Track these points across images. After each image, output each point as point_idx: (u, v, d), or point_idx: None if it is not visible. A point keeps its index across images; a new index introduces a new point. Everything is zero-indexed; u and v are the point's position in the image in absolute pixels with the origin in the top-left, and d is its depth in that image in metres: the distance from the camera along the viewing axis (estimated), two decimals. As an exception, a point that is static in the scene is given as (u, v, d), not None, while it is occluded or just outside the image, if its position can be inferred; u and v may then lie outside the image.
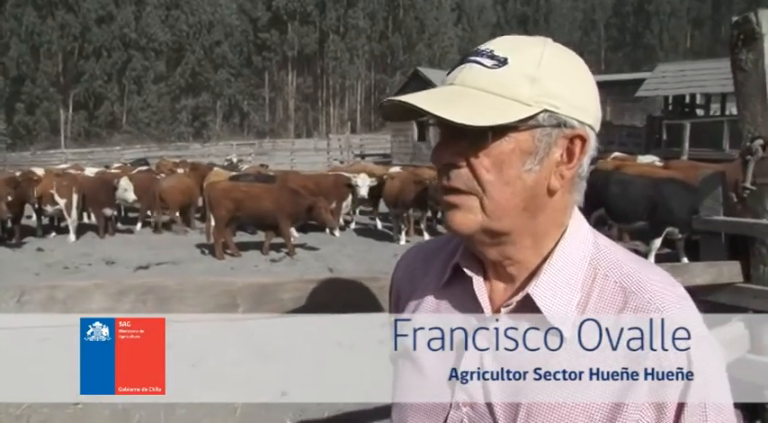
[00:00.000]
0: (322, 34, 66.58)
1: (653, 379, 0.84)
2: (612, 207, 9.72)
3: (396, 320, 1.13)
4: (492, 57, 0.89)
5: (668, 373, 0.84)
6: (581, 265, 0.93)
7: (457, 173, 0.90)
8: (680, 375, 0.84)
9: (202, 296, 1.66)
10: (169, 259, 10.54)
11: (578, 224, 0.97)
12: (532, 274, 0.93)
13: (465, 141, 0.88)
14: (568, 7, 79.40)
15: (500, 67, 0.88)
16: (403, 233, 12.06)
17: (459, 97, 0.88)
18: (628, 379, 0.85)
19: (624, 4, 78.54)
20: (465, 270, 0.98)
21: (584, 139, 0.90)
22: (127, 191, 12.76)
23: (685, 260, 8.65)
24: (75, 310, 1.54)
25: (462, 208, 0.91)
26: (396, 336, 1.10)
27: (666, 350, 0.85)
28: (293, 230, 11.79)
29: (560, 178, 0.90)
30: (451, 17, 74.20)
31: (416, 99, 0.88)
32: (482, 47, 0.92)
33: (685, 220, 8.90)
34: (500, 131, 0.87)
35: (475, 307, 0.96)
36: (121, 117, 58.10)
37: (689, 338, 0.85)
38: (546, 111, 0.87)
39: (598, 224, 10.09)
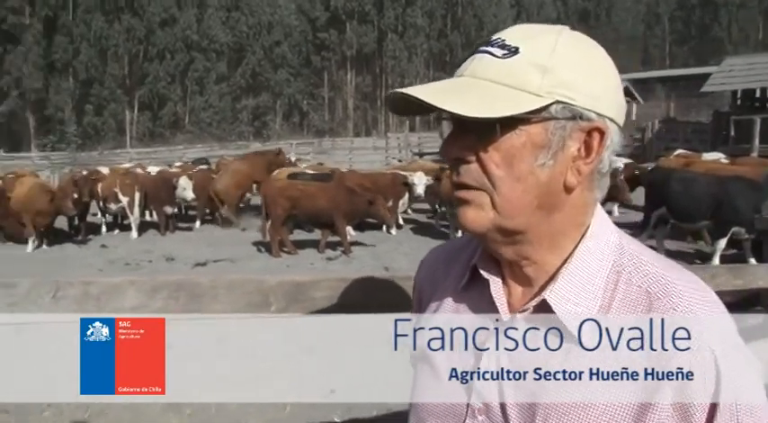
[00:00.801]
0: (380, 33, 66.77)
1: (676, 391, 0.79)
2: (675, 206, 9.41)
3: (416, 321, 1.11)
4: (503, 46, 0.85)
5: (693, 384, 0.79)
6: (603, 268, 0.88)
7: (466, 168, 0.87)
8: (706, 388, 0.78)
9: (234, 294, 1.66)
10: (227, 256, 10.71)
11: (600, 223, 0.92)
12: (551, 278, 0.89)
13: (474, 135, 0.85)
14: (631, 1, 77.52)
15: (510, 56, 0.84)
16: (459, 232, 11.96)
17: (466, 89, 0.84)
18: (649, 390, 0.80)
19: (690, -4, 76.28)
20: (482, 272, 0.95)
21: (602, 132, 0.85)
22: (186, 190, 13.06)
23: (753, 261, 8.32)
24: (108, 307, 1.57)
25: (473, 204, 0.87)
26: (415, 337, 1.08)
27: (692, 359, 0.79)
28: (349, 229, 11.86)
29: (577, 174, 0.85)
30: (510, 14, 73.36)
31: (421, 91, 0.84)
32: (494, 36, 0.88)
33: (752, 219, 8.60)
34: (510, 124, 0.82)
35: (493, 310, 0.93)
36: (184, 117, 59.48)
37: (717, 347, 0.79)
38: (559, 102, 0.83)
39: (659, 224, 9.82)
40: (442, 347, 0.98)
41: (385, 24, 66.14)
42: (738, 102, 22.65)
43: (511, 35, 0.87)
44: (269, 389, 5.09)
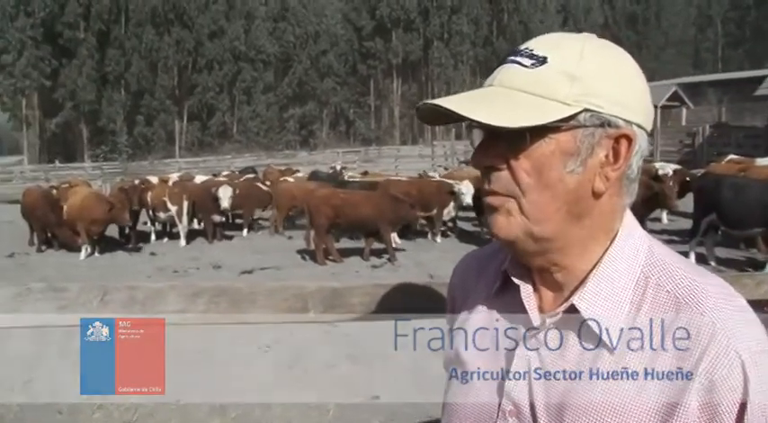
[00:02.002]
0: (426, 41, 66.80)
1: (704, 395, 0.80)
2: (726, 212, 9.18)
3: (450, 327, 1.13)
4: (531, 56, 0.87)
5: (720, 389, 0.79)
6: (632, 273, 0.89)
7: (497, 176, 0.89)
8: (734, 393, 0.79)
9: (273, 299, 1.70)
10: (272, 264, 10.84)
11: (630, 229, 0.93)
12: (581, 283, 0.90)
13: (504, 144, 0.87)
14: (681, 3, 75.99)
15: (539, 65, 0.86)
16: (502, 238, 11.86)
17: (496, 98, 0.86)
18: (677, 395, 0.81)
19: (743, -3, 74.36)
20: (513, 278, 0.97)
21: (630, 139, 0.86)
22: (222, 199, 13.20)
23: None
24: (152, 311, 1.62)
25: (502, 211, 0.89)
26: (448, 341, 1.10)
27: (719, 365, 0.79)
28: (395, 236, 11.90)
29: (605, 180, 0.87)
30: (557, 20, 72.66)
31: (451, 102, 0.86)
32: (522, 46, 0.90)
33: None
34: (539, 133, 0.84)
35: (524, 315, 0.95)
36: (232, 127, 60.37)
37: (744, 352, 0.80)
38: (587, 110, 0.84)
39: (709, 230, 9.60)
40: (475, 351, 1.00)
41: (430, 32, 66.15)
42: (794, 106, 22.04)
43: (538, 45, 0.88)
44: (313, 392, 5.13)
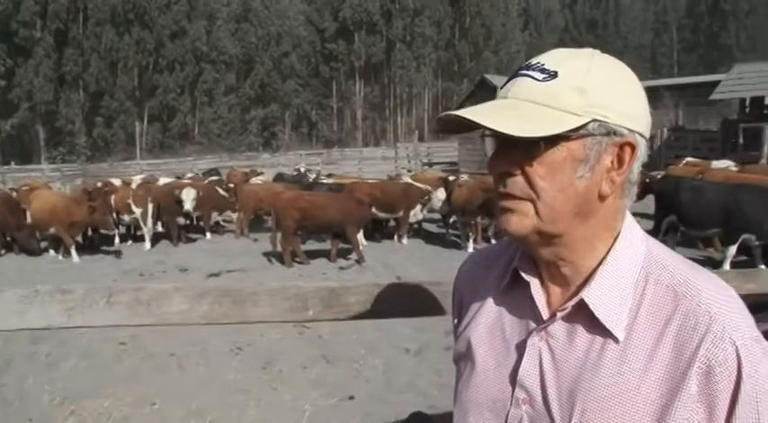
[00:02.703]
0: (389, 43, 66.91)
1: (702, 379, 0.87)
2: (685, 214, 9.46)
3: (458, 323, 1.20)
4: (542, 70, 0.94)
5: (717, 373, 0.86)
6: (633, 269, 0.97)
7: (513, 181, 0.95)
8: (729, 376, 0.86)
9: (275, 299, 1.74)
10: (239, 267, 10.79)
11: (630, 228, 1.01)
12: (587, 279, 0.97)
13: (519, 151, 0.93)
14: (639, 9, 77.53)
15: (550, 79, 0.93)
16: (471, 241, 12.04)
17: (512, 110, 0.93)
18: (678, 379, 0.88)
19: (698, 4, 76.06)
20: (523, 274, 1.04)
21: (633, 146, 0.94)
22: (185, 202, 13.12)
23: (763, 268, 8.36)
24: (157, 311, 1.65)
25: (517, 212, 0.96)
26: (458, 337, 1.16)
27: (715, 351, 0.87)
28: (360, 237, 11.97)
29: (611, 184, 0.94)
30: (518, 23, 73.56)
31: (474, 114, 0.92)
32: (533, 61, 0.97)
33: (762, 226, 8.65)
34: (552, 141, 0.91)
35: (533, 310, 1.01)
36: (193, 128, 59.69)
37: (738, 339, 0.87)
38: (595, 120, 0.92)
39: (670, 231, 9.86)
40: (487, 344, 1.07)
41: (393, 34, 66.27)
42: (747, 109, 22.62)
43: (549, 59, 0.96)
44: (289, 394, 5.15)
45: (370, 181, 15.14)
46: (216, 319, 1.70)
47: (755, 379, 0.86)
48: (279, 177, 18.86)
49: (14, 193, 13.72)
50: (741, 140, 20.05)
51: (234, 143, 57.14)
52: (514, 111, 0.93)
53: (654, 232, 10.02)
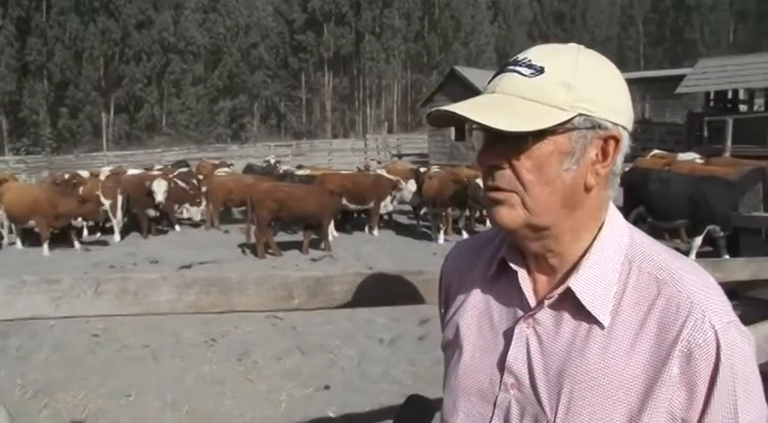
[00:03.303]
0: (358, 35, 66.61)
1: (683, 362, 0.91)
2: (652, 205, 9.65)
3: (445, 311, 1.24)
4: (529, 66, 0.97)
5: (698, 355, 0.90)
6: (617, 258, 1.00)
7: (501, 174, 0.98)
8: (709, 358, 0.90)
9: (262, 288, 1.77)
10: (211, 258, 10.75)
11: (614, 218, 1.04)
12: (573, 267, 1.01)
13: (507, 145, 0.96)
14: (606, 3, 78.21)
15: (537, 75, 0.96)
16: (441, 232, 12.12)
17: (500, 105, 0.96)
18: (660, 362, 0.92)
19: (663, -1, 77.11)
20: (510, 264, 1.07)
21: (617, 139, 0.98)
22: (156, 193, 13.03)
23: (727, 258, 8.55)
24: (144, 301, 1.67)
25: (506, 204, 0.99)
26: (446, 325, 1.20)
27: (696, 335, 0.91)
28: (331, 229, 12.02)
29: (596, 176, 0.98)
30: (487, 15, 73.69)
31: (463, 109, 0.96)
32: (520, 56, 1.00)
33: (727, 217, 8.84)
34: (539, 135, 0.94)
35: (520, 298, 1.05)
36: (161, 119, 58.87)
37: (717, 323, 0.92)
38: (581, 114, 0.95)
39: (637, 222, 10.03)
40: (475, 331, 1.11)
41: (362, 26, 65.97)
42: (711, 103, 23.03)
43: (536, 55, 0.99)
44: (264, 385, 5.17)
45: (343, 172, 15.17)
46: (203, 308, 1.72)
47: (733, 361, 0.91)
48: (248, 169, 18.76)
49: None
50: (706, 133, 20.38)
51: (202, 134, 56.52)
52: (503, 106, 0.95)
53: (621, 223, 10.19)
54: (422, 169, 13.88)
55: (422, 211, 13.54)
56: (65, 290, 1.62)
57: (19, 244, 12.21)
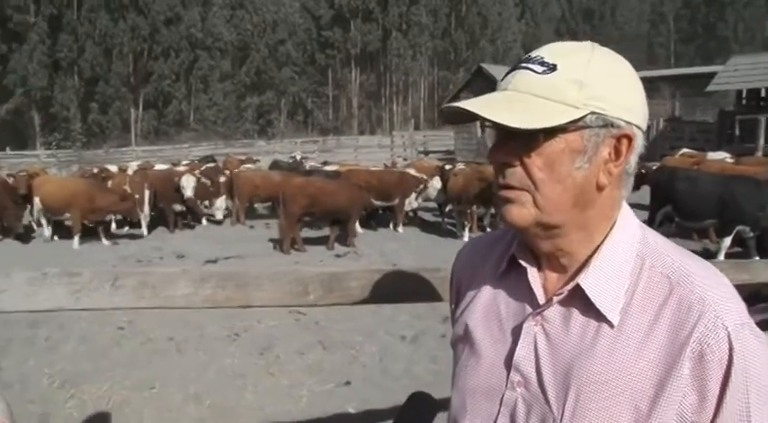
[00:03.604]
0: (385, 32, 66.55)
1: (694, 363, 0.90)
2: (680, 205, 9.51)
3: (456, 307, 1.23)
4: (542, 63, 0.96)
5: (709, 357, 0.89)
6: (629, 257, 0.99)
7: (512, 171, 0.98)
8: (721, 360, 0.89)
9: (277, 283, 1.78)
10: (236, 253, 10.82)
11: (626, 218, 1.03)
12: (583, 265, 1.00)
13: (518, 142, 0.96)
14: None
15: (549, 72, 0.95)
16: (466, 230, 12.08)
17: (512, 102, 0.95)
18: (670, 363, 0.91)
19: (695, -5, 75.89)
20: (520, 261, 1.07)
21: (630, 138, 0.96)
22: (186, 188, 13.18)
23: (757, 259, 8.42)
24: (162, 294, 1.69)
25: (517, 202, 0.98)
26: (455, 322, 1.20)
27: (708, 336, 0.90)
28: (356, 226, 12.08)
29: (608, 175, 0.97)
30: (515, 12, 73.14)
31: (474, 105, 0.95)
32: (533, 53, 1.00)
33: (757, 218, 8.71)
34: (551, 133, 0.94)
35: (529, 295, 1.04)
36: (189, 115, 59.38)
37: (731, 325, 0.90)
38: (593, 113, 0.94)
39: (664, 222, 9.92)
40: (483, 329, 1.10)
41: (389, 23, 65.89)
42: (743, 101, 22.66)
43: (549, 53, 0.98)
44: (286, 379, 5.20)
45: (373, 168, 15.21)
46: (219, 303, 1.74)
47: (746, 363, 0.89)
48: (275, 165, 18.87)
49: (11, 179, 13.69)
50: (737, 132, 20.08)
51: (229, 130, 56.88)
52: (514, 103, 0.95)
53: (648, 223, 10.01)
54: (447, 166, 13.84)
55: (447, 209, 13.50)
56: (84, 283, 1.65)
57: (47, 233, 12.37)
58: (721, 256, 8.99)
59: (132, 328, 6.47)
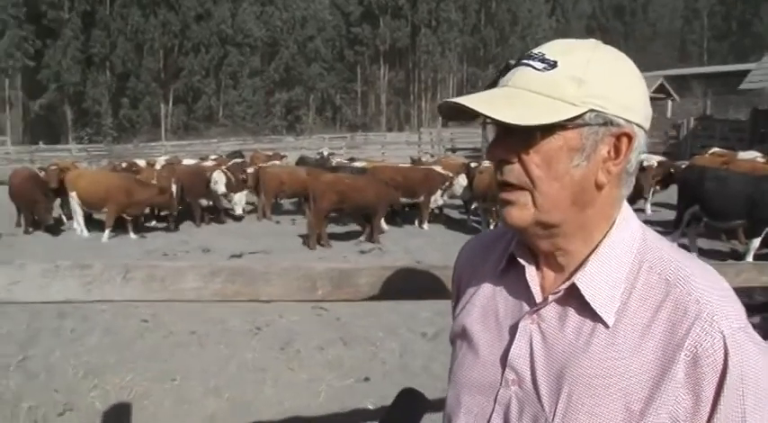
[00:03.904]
0: (414, 28, 66.53)
1: (689, 366, 0.88)
2: (708, 204, 9.35)
3: (456, 304, 1.23)
4: (543, 60, 0.96)
5: (704, 361, 0.88)
6: (627, 257, 0.98)
7: (510, 168, 0.98)
8: (716, 364, 0.88)
9: (285, 278, 1.79)
10: (261, 248, 10.89)
11: (627, 218, 1.02)
12: (581, 264, 0.99)
13: (517, 139, 0.95)
14: (669, -5, 76.21)
15: (549, 69, 0.94)
16: (491, 227, 12.02)
17: (510, 98, 0.95)
18: (665, 365, 0.90)
19: (730, -9, 74.57)
20: (519, 259, 1.06)
21: (630, 137, 0.95)
22: (218, 183, 13.31)
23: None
24: (171, 288, 1.71)
25: (516, 204, 0.98)
26: (455, 318, 1.20)
27: (703, 339, 0.88)
28: (382, 222, 12.12)
29: (607, 173, 0.96)
30: (545, 9, 72.61)
31: (471, 101, 0.95)
32: (535, 50, 0.99)
33: (788, 218, 8.54)
34: (549, 130, 0.93)
35: (527, 293, 1.04)
36: (218, 111, 59.92)
37: (726, 329, 0.89)
38: (592, 110, 0.93)
39: (692, 222, 9.77)
40: (481, 326, 1.10)
41: (418, 19, 65.84)
42: (777, 99, 22.25)
43: (550, 50, 0.97)
44: (305, 374, 5.23)
45: (400, 165, 15.23)
46: (228, 297, 1.75)
47: (742, 368, 0.88)
48: (301, 161, 18.96)
49: (42, 173, 13.91)
50: (770, 131, 19.72)
51: (258, 126, 57.32)
52: (512, 99, 0.94)
53: (676, 223, 9.94)
54: (473, 164, 13.79)
55: (472, 206, 13.46)
56: (95, 275, 1.67)
57: (85, 233, 12.52)
58: (749, 258, 8.84)
59: (156, 321, 6.55)
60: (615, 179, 0.97)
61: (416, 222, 13.46)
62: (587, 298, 0.96)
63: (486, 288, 1.13)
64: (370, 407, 4.61)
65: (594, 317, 0.96)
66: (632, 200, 11.65)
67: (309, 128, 58.44)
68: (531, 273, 1.04)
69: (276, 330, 6.35)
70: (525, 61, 0.98)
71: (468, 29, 68.57)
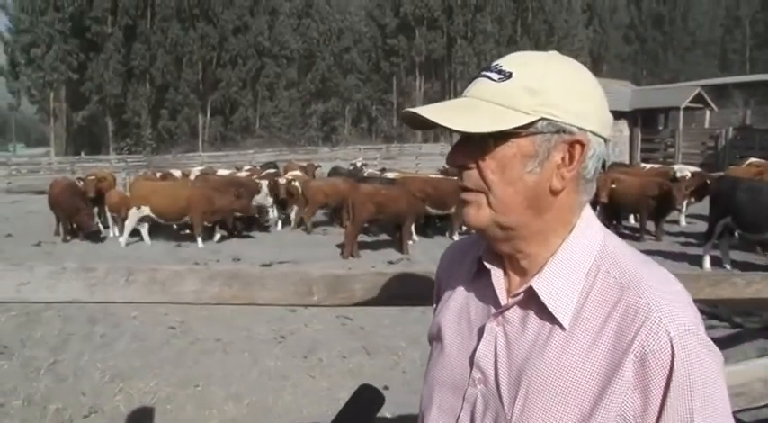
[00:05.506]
0: (449, 39, 66.43)
1: (638, 367, 0.91)
2: (740, 216, 9.19)
3: (436, 306, 1.29)
4: (499, 71, 1.01)
5: (651, 361, 0.91)
6: (586, 261, 1.02)
7: (468, 174, 1.03)
8: (663, 364, 0.91)
9: (282, 283, 1.85)
10: (291, 258, 11.00)
11: (587, 223, 1.05)
12: (541, 268, 1.03)
13: (474, 147, 1.01)
14: (709, 4, 74.86)
15: (505, 80, 0.99)
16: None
17: (464, 108, 1.00)
18: (614, 366, 0.93)
19: (774, -2, 73.00)
20: (486, 263, 1.11)
21: (583, 144, 0.99)
22: (268, 196, 13.69)
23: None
24: (171, 290, 1.78)
25: (473, 204, 1.03)
26: (432, 321, 1.25)
27: (650, 340, 0.91)
28: (412, 233, 12.20)
29: (561, 179, 1.00)
30: (582, 19, 71.89)
31: (426, 111, 1.00)
32: (493, 62, 1.04)
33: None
34: (503, 137, 0.98)
35: (494, 297, 1.08)
36: (255, 122, 60.44)
37: (673, 330, 0.91)
38: (544, 119, 0.97)
39: (725, 233, 9.60)
40: (454, 328, 1.16)
41: (454, 30, 65.73)
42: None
43: (508, 62, 1.03)
44: (326, 382, 5.28)
45: (433, 176, 15.26)
46: (225, 300, 1.82)
47: (690, 370, 0.90)
48: (334, 171, 19.10)
49: (81, 182, 14.24)
50: (812, 142, 19.28)
51: (294, 137, 57.71)
52: (466, 108, 1.00)
53: (708, 235, 9.78)
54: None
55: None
56: (99, 277, 1.75)
57: (122, 238, 12.76)
58: (784, 270, 8.65)
59: (183, 327, 6.68)
60: (572, 185, 1.01)
61: (447, 234, 13.47)
62: (544, 301, 1.00)
63: (461, 291, 1.18)
64: (388, 415, 4.63)
65: (552, 319, 0.99)
66: (665, 211, 11.54)
67: (345, 139, 58.70)
68: (497, 276, 1.09)
69: (300, 339, 6.43)
70: (484, 73, 1.03)
71: (504, 40, 68.19)
